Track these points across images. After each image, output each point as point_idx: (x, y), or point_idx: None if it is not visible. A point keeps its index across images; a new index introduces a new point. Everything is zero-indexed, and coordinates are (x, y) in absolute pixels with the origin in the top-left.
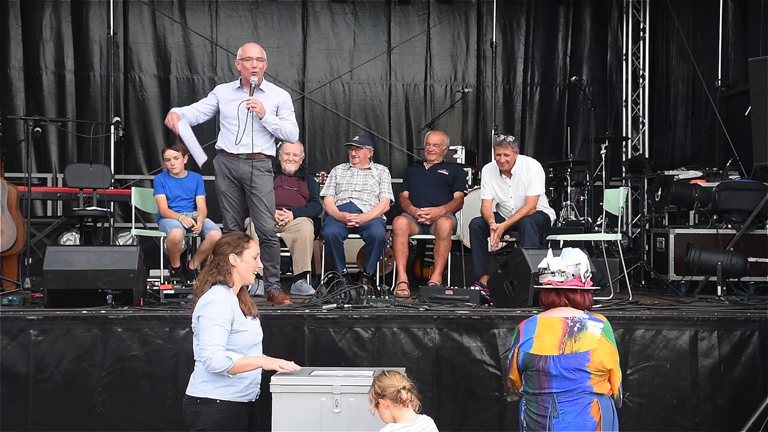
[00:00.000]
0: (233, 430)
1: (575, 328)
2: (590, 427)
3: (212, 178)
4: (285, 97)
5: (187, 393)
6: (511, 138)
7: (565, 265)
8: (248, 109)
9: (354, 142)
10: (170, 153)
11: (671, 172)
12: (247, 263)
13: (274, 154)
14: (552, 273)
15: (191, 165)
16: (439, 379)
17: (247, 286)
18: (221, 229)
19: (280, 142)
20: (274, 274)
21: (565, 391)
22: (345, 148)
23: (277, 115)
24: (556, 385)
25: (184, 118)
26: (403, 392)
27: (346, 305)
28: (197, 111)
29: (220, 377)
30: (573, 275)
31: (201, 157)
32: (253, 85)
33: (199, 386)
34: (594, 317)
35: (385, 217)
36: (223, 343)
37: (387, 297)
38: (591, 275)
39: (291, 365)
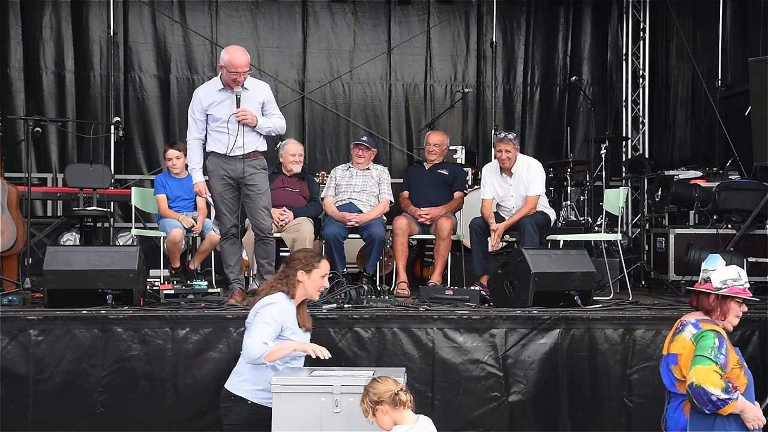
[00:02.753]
0: (258, 431)
1: (677, 331)
2: (681, 423)
3: None
4: (268, 91)
5: (225, 386)
6: (512, 134)
7: (701, 270)
8: (239, 122)
9: (364, 142)
10: (172, 153)
11: (671, 172)
12: (314, 281)
13: (266, 148)
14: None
15: None
16: (440, 379)
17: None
18: (215, 227)
19: (280, 143)
20: (269, 271)
21: (670, 387)
22: (352, 146)
23: (263, 111)
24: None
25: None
26: (401, 394)
27: (346, 305)
28: (201, 134)
29: (258, 378)
30: (705, 280)
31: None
32: (238, 97)
33: (238, 384)
34: (698, 324)
35: (385, 217)
36: (268, 340)
37: (387, 297)
38: (725, 281)
39: (323, 351)
